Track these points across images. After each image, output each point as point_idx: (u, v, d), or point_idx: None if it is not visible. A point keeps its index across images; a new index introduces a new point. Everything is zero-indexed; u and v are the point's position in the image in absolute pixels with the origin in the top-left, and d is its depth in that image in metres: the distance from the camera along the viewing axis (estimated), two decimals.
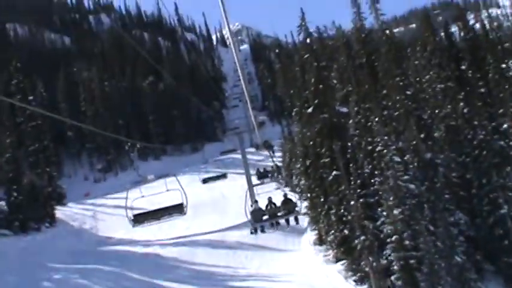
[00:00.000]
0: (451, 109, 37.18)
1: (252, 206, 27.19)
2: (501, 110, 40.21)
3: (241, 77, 19.99)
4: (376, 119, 33.13)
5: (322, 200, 38.61)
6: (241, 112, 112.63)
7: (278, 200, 27.72)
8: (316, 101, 35.64)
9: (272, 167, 48.26)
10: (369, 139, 34.16)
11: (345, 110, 37.79)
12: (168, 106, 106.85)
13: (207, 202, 59.66)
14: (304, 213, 45.53)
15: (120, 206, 69.97)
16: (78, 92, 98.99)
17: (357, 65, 47.42)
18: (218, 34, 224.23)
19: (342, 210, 35.48)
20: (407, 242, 30.31)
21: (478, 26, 63.06)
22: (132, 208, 23.42)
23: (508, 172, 33.67)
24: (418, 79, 40.31)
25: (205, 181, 53.80)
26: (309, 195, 42.24)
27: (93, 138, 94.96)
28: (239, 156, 52.43)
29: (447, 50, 46.63)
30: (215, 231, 52.94)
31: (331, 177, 35.67)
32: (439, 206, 32.29)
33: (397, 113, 34.95)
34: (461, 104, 36.42)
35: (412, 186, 31.30)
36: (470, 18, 63.86)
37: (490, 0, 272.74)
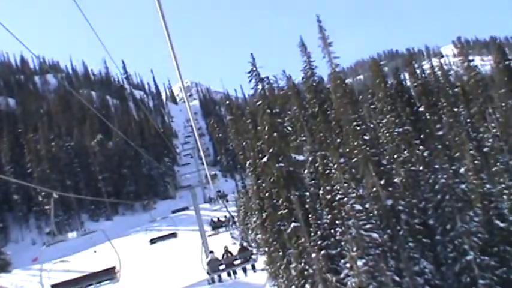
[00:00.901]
0: (409, 153, 36.10)
1: (207, 257, 26.98)
2: (457, 154, 39.57)
3: (194, 128, 18.56)
4: (335, 166, 31.73)
5: (281, 253, 36.75)
6: (194, 168, 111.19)
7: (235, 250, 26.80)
8: (270, 150, 34.02)
9: (226, 216, 47.18)
10: (328, 187, 32.64)
11: (301, 158, 36.32)
12: (117, 164, 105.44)
13: (153, 265, 56.29)
14: (263, 269, 44.10)
15: (70, 270, 67.37)
16: (23, 153, 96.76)
17: (309, 114, 46.62)
18: (168, 91, 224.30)
19: (303, 264, 33.45)
20: None
21: (427, 71, 63.69)
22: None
23: (471, 217, 32.43)
24: (373, 124, 39.36)
25: (153, 241, 48.04)
26: (266, 249, 40.35)
27: (40, 201, 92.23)
28: (193, 213, 50.40)
29: (400, 95, 46.11)
30: None
31: (289, 230, 33.77)
32: (403, 255, 30.87)
33: (355, 160, 33.65)
34: (421, 147, 35.37)
35: (375, 235, 29.81)
36: (416, 67, 64.41)
37: (433, 50, 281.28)
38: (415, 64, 59.84)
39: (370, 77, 68.40)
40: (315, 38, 39.82)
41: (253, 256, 26.38)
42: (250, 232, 55.84)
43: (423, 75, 58.79)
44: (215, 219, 53.76)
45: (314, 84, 49.21)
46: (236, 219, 56.81)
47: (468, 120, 48.83)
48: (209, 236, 44.65)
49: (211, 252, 28.70)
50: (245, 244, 34.42)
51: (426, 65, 74.72)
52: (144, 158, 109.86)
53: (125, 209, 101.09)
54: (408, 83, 51.25)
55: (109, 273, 19.44)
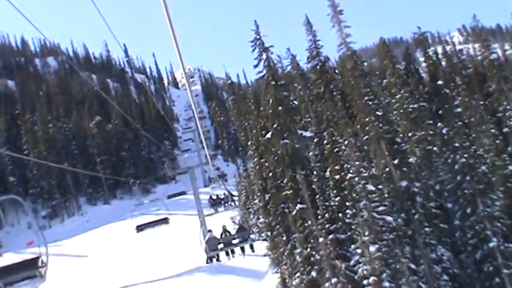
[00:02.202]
0: (425, 131, 33.30)
1: (206, 236, 25.95)
2: (473, 135, 36.80)
3: (193, 107, 16.43)
4: (345, 142, 28.94)
5: (284, 238, 34.08)
6: (194, 153, 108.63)
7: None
8: (275, 125, 31.26)
9: (224, 193, 45.31)
10: (336, 167, 29.89)
11: (308, 134, 33.52)
12: (116, 147, 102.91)
13: (140, 255, 52.57)
14: (265, 255, 41.61)
15: (64, 254, 64.86)
16: (20, 134, 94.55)
17: (314, 95, 44.05)
18: (170, 75, 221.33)
19: (309, 249, 30.66)
20: (387, 284, 25.87)
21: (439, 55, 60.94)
22: None
23: (493, 200, 29.66)
24: (386, 100, 36.48)
25: (140, 229, 40.13)
26: (269, 233, 37.73)
27: (37, 183, 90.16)
28: (191, 197, 47.72)
29: (411, 74, 43.57)
30: None
31: (294, 212, 31.06)
32: (419, 241, 28.23)
33: (366, 137, 30.91)
34: (439, 124, 32.55)
35: (389, 218, 27.13)
36: (420, 55, 61.93)
37: (438, 37, 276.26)
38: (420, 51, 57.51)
39: (376, 63, 65.91)
40: (321, 19, 37.26)
41: (252, 236, 26.31)
42: (251, 217, 53.40)
43: (436, 55, 56.19)
44: (214, 197, 51.47)
45: (320, 64, 46.79)
46: (236, 198, 54.29)
47: (483, 101, 46.03)
48: (207, 215, 41.53)
49: (210, 231, 27.34)
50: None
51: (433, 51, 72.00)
52: (143, 141, 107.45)
53: (124, 192, 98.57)
54: (418, 66, 49.04)
55: (29, 268, 12.50)
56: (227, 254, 28.78)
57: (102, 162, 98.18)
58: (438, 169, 32.09)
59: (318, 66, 45.64)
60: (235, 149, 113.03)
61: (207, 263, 32.75)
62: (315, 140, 34.95)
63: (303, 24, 49.72)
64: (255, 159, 41.95)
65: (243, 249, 28.27)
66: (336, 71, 47.01)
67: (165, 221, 38.72)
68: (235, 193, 67.95)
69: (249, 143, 45.42)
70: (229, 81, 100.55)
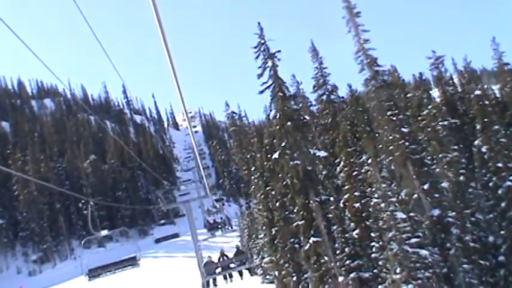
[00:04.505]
0: (459, 151, 28.59)
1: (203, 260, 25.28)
2: None
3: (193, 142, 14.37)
4: (369, 161, 24.25)
5: (295, 278, 29.21)
6: (195, 195, 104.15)
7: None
8: (283, 143, 26.57)
9: (221, 218, 42.59)
10: (355, 193, 25.20)
11: (322, 154, 28.70)
12: (112, 187, 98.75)
13: None
14: None
15: None
16: (10, 174, 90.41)
17: (321, 126, 40.28)
18: (169, 116, 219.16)
19: None
20: None
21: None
22: None
23: None
24: (413, 116, 31.83)
25: (92, 274, 22.21)
26: (276, 273, 32.81)
27: (27, 225, 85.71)
28: (186, 238, 43.62)
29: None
30: None
31: (307, 246, 26.15)
32: (458, 281, 23.41)
33: (390, 158, 26.22)
34: (476, 142, 27.86)
35: (423, 252, 22.29)
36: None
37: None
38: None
39: None
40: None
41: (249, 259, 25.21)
42: (255, 257, 48.88)
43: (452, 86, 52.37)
44: (211, 221, 48.17)
45: (327, 92, 43.06)
46: (231, 221, 51.29)
47: None
48: (204, 240, 37.92)
49: (209, 257, 26.34)
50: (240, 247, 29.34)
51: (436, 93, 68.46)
52: (140, 181, 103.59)
53: (119, 234, 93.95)
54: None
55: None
56: (225, 277, 27.71)
57: (96, 203, 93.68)
58: (476, 195, 27.31)
59: (325, 96, 42.09)
60: (237, 188, 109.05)
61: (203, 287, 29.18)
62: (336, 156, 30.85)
63: (308, 51, 46.32)
64: (260, 192, 37.37)
65: (240, 272, 27.13)
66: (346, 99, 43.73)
67: (132, 262, 21.90)
68: (236, 234, 64.03)
69: (252, 176, 41.16)
70: (230, 111, 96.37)
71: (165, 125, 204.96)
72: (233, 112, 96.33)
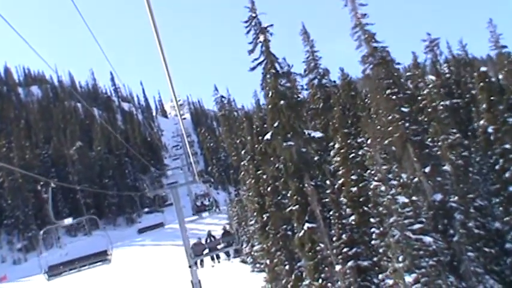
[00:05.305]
0: (462, 133, 27.12)
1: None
2: None
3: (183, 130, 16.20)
4: (369, 141, 22.75)
5: (287, 267, 27.71)
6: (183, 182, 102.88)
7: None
8: (276, 123, 24.99)
9: (209, 199, 41.99)
10: (352, 176, 23.68)
11: (318, 134, 27.14)
12: (98, 174, 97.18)
13: None
14: None
15: None
16: None
17: (313, 111, 38.82)
18: (158, 104, 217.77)
19: (321, 280, 24.12)
20: None
21: None
22: None
23: None
24: (413, 95, 30.17)
25: (52, 273, 17.75)
26: (267, 262, 31.32)
27: (12, 213, 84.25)
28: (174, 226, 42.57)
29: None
30: None
31: (301, 233, 24.65)
32: (462, 269, 21.98)
33: (390, 139, 24.71)
34: (481, 122, 26.39)
35: (427, 239, 20.77)
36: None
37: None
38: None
39: None
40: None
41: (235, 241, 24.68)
42: (245, 245, 47.51)
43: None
44: (198, 203, 47.31)
45: (318, 76, 41.67)
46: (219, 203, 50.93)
47: None
48: (191, 221, 37.60)
49: (199, 238, 26.02)
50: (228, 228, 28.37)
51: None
52: (128, 168, 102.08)
53: (107, 223, 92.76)
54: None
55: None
56: (212, 258, 27.73)
57: (83, 191, 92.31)
58: (481, 179, 25.88)
59: (316, 80, 40.67)
60: (226, 175, 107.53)
61: (190, 267, 28.25)
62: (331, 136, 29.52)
63: (299, 34, 45.09)
64: (250, 177, 35.84)
65: (227, 253, 27.31)
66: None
67: (102, 257, 18.30)
68: (225, 221, 62.93)
69: (242, 161, 39.76)
70: (219, 95, 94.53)
71: (154, 113, 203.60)
72: (222, 96, 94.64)
